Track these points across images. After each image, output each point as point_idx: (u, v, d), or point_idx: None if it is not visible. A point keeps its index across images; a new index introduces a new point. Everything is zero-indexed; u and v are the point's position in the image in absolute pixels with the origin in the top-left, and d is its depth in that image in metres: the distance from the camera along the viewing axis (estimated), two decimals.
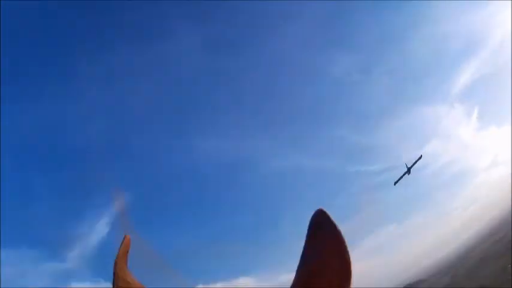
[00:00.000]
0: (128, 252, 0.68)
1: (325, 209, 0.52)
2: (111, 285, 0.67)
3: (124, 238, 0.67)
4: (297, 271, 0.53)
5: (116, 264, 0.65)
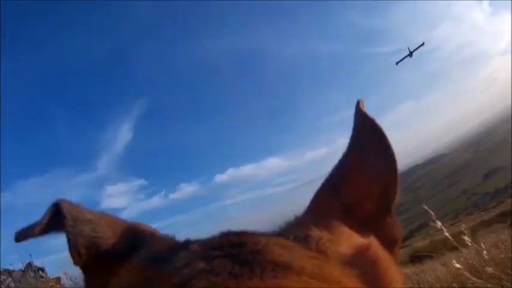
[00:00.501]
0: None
1: (363, 103, 0.46)
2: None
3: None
4: (343, 161, 0.46)
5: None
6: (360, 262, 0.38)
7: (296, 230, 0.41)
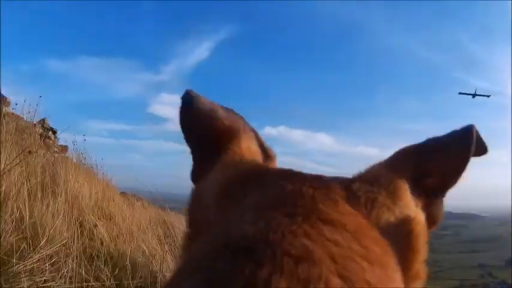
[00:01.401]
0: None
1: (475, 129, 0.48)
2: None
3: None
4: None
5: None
6: (398, 231, 0.42)
7: (362, 182, 0.44)
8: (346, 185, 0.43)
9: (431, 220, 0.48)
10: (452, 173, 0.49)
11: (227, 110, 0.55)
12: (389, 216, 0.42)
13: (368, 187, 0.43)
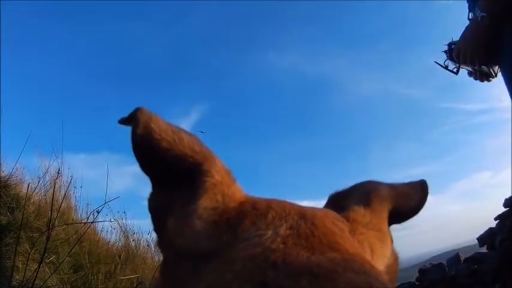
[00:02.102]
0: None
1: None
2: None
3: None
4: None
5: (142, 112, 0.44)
6: (392, 270, 0.47)
7: (361, 232, 0.45)
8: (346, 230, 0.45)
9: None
10: (404, 216, 0.55)
11: (190, 134, 0.47)
12: (387, 261, 0.45)
13: (364, 233, 0.45)
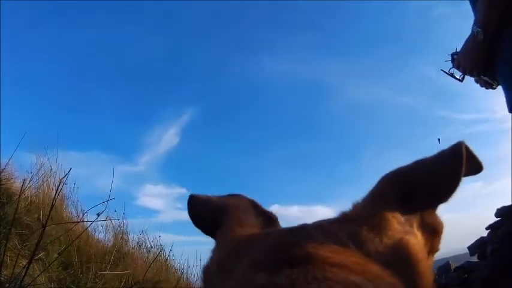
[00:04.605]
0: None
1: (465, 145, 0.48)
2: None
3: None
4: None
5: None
6: (394, 259, 0.42)
7: (345, 225, 0.45)
8: (324, 229, 0.44)
9: (431, 230, 0.49)
10: (443, 192, 0.48)
11: (221, 196, 0.65)
12: (376, 248, 0.42)
13: (350, 226, 0.44)
